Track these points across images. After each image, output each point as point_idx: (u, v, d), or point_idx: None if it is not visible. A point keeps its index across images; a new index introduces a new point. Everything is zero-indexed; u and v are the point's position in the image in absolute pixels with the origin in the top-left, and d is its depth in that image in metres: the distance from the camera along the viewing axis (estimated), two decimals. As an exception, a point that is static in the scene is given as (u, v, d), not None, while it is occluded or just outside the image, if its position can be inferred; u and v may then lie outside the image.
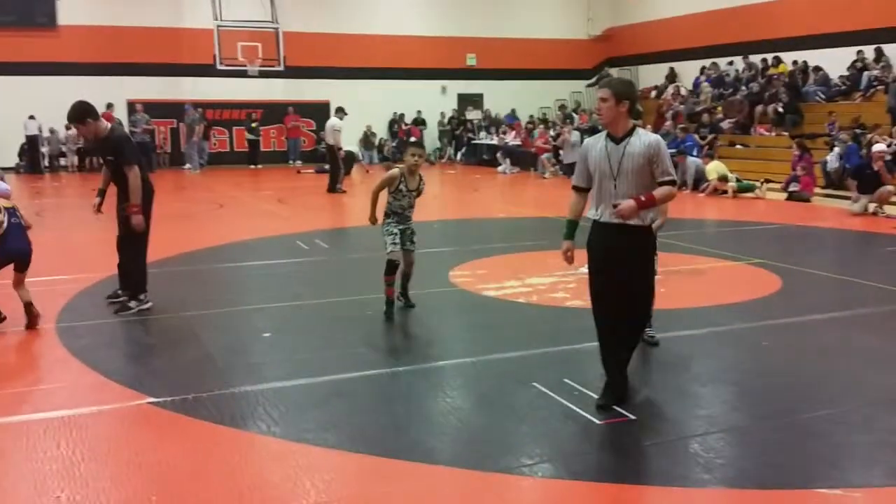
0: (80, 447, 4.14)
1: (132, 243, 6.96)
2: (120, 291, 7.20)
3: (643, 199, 4.40)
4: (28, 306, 6.39)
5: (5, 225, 6.33)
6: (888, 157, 14.51)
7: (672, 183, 4.48)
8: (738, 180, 16.23)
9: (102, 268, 8.66)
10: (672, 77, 25.22)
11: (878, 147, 13.88)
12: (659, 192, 4.44)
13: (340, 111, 17.65)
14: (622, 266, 4.54)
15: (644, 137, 4.48)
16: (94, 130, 6.87)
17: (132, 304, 6.96)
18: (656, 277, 4.88)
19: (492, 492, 3.72)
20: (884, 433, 4.27)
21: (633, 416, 4.46)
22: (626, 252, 4.53)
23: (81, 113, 6.78)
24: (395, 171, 6.53)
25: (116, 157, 6.81)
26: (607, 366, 4.72)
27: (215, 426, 4.42)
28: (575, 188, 4.75)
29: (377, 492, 3.68)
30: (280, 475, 3.80)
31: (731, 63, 23.73)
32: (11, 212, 6.48)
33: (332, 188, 17.14)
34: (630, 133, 4.49)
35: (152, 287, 7.11)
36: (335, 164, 17.29)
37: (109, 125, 7.17)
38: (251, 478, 3.78)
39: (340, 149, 17.39)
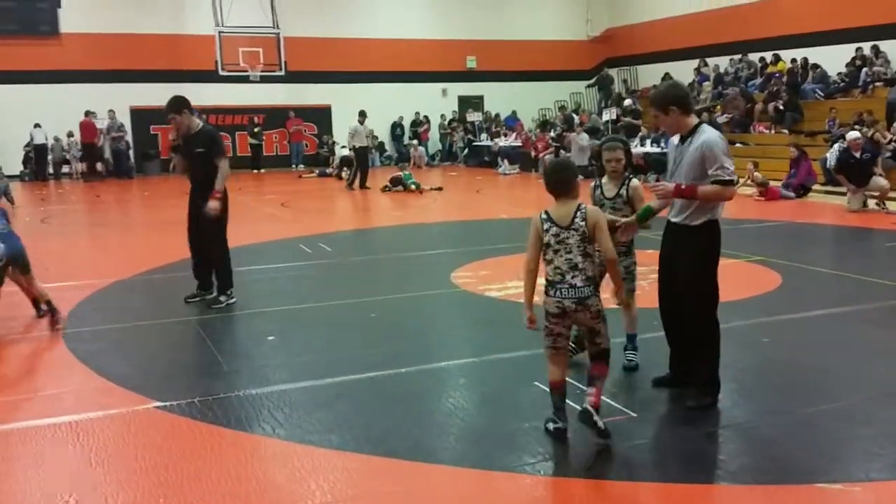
0: (88, 452, 4.19)
1: (216, 240, 7.22)
2: (197, 291, 7.43)
3: (683, 186, 4.46)
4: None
5: None
6: (888, 154, 14.53)
7: (723, 182, 4.37)
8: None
9: (108, 274, 8.74)
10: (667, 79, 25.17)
11: (852, 135, 13.93)
12: (704, 187, 4.41)
13: (361, 115, 19.28)
14: (669, 264, 4.69)
15: (702, 135, 4.47)
16: (188, 123, 7.25)
17: (222, 298, 7.27)
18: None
19: (495, 490, 3.75)
20: (885, 426, 4.30)
21: (634, 414, 4.50)
22: (674, 250, 4.64)
23: (182, 104, 7.19)
24: (534, 218, 4.13)
25: (209, 149, 7.16)
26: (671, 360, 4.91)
27: (221, 429, 4.46)
28: None
29: (382, 492, 3.72)
30: (285, 476, 3.85)
31: (731, 61, 23.74)
32: None
33: (361, 184, 18.94)
34: (693, 132, 4.53)
35: (158, 291, 7.16)
36: (361, 164, 19.07)
37: (200, 122, 7.55)
38: (257, 480, 3.83)
39: (353, 148, 19.19)
